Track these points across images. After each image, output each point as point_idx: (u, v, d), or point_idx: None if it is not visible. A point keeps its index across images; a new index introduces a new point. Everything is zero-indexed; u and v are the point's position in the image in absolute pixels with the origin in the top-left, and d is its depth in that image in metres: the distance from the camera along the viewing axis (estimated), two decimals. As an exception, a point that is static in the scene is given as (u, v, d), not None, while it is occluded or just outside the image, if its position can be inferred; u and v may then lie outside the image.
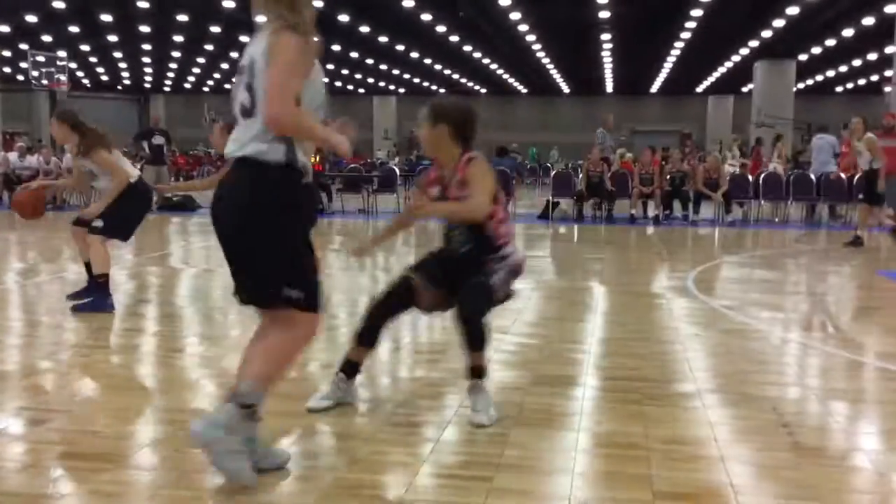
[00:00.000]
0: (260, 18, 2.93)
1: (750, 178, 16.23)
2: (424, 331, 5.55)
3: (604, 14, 24.43)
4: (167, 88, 48.80)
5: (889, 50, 22.43)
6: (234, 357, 4.74)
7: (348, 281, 7.95)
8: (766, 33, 27.97)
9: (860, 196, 11.55)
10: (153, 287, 7.49)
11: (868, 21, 25.28)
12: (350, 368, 3.85)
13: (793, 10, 24.23)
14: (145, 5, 24.66)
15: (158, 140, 16.76)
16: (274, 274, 2.83)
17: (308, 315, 2.89)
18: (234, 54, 34.87)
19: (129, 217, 6.32)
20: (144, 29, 29.31)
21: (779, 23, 26.18)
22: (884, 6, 21.74)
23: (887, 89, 20.43)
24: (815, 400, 4.14)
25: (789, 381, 4.56)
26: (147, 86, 47.86)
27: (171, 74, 43.40)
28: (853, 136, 11.77)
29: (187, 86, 47.25)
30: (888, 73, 22.04)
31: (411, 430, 3.51)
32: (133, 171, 6.32)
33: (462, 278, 3.68)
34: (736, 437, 3.53)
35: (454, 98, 3.94)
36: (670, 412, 3.81)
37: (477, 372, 3.68)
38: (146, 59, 38.04)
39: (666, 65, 36.06)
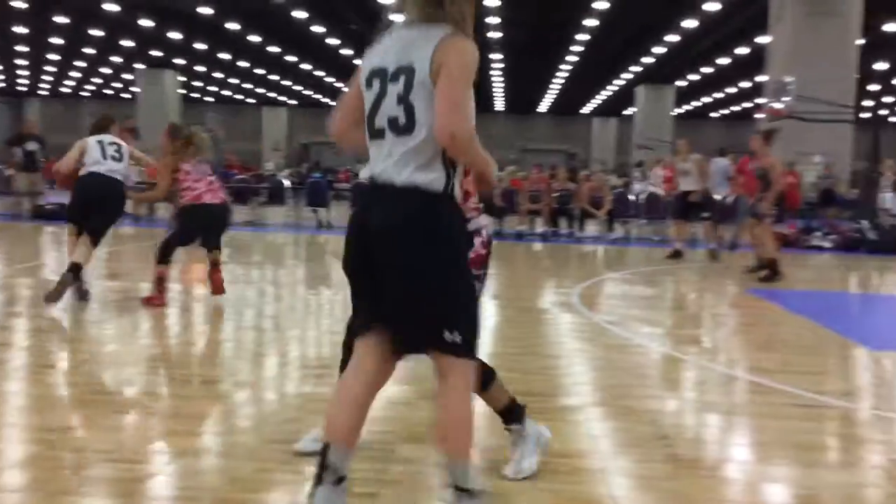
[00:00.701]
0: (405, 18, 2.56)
1: (632, 197, 16.78)
2: (312, 345, 5.46)
3: (494, 34, 24.89)
4: (44, 92, 46.73)
5: (760, 78, 23.71)
6: (108, 373, 4.55)
7: (236, 295, 7.77)
8: (647, 60, 29.16)
9: (704, 215, 12.81)
10: (24, 299, 7.11)
11: (742, 51, 26.72)
12: None
13: (672, 38, 25.36)
14: (21, 5, 23.56)
15: (32, 146, 15.97)
16: (436, 314, 2.50)
17: (464, 362, 2.54)
18: (116, 59, 33.73)
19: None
20: (20, 30, 28.01)
21: (659, 50, 27.35)
22: (755, 37, 23.00)
23: (758, 116, 21.60)
24: (691, 413, 4.30)
25: (667, 394, 4.72)
26: (22, 89, 45.70)
27: (48, 78, 41.58)
28: (678, 156, 13.10)
29: (65, 90, 45.39)
30: (759, 100, 23.27)
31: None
32: (86, 162, 6.58)
33: None
34: (617, 449, 3.62)
35: None
36: (555, 426, 3.85)
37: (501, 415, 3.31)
38: (21, 62, 36.34)
39: (554, 86, 37.05)
